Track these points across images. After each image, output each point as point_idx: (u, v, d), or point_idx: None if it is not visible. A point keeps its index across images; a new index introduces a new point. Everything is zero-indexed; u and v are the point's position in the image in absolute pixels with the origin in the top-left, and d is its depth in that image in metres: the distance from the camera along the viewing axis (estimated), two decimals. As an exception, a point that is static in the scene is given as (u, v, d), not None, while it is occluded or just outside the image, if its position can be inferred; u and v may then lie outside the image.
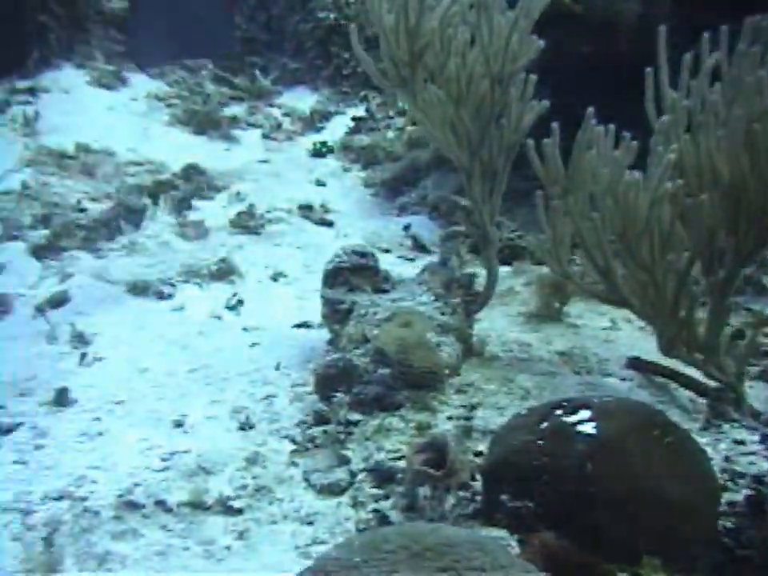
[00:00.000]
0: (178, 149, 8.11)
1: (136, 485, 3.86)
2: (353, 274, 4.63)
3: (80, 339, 5.23)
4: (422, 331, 4.05)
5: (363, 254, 4.76)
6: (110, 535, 3.62)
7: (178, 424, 4.28)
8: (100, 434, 4.30)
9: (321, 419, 4.07)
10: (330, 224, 6.90)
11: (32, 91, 8.96)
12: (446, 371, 4.10)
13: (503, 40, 4.10)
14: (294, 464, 3.94)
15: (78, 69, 9.72)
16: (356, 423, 3.96)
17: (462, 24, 4.35)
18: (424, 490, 3.23)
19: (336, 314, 4.57)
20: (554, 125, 4.05)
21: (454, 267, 4.61)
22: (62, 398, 4.56)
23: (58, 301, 5.64)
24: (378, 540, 2.40)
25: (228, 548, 3.54)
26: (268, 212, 6.93)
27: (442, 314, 4.35)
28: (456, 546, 2.29)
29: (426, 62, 4.36)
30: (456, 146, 4.35)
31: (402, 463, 3.62)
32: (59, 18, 9.92)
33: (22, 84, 9.10)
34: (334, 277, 4.68)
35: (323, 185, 7.61)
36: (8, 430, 4.39)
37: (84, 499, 3.81)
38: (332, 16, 9.53)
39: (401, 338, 3.98)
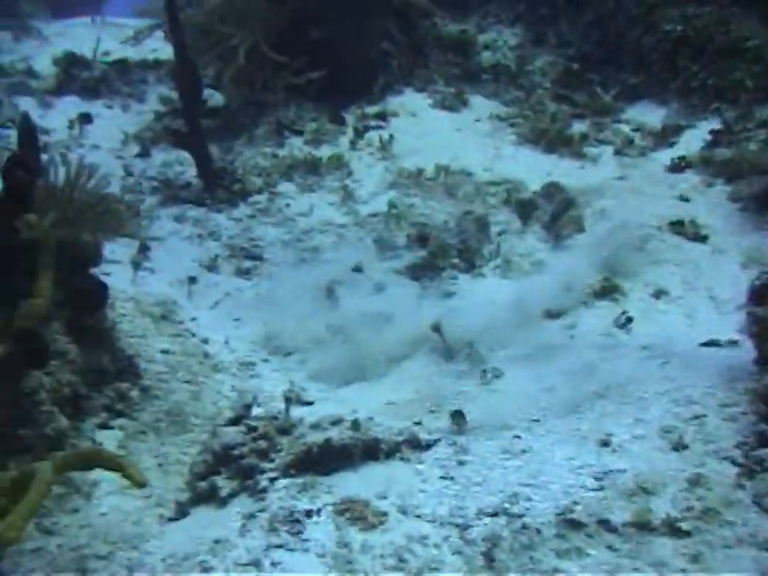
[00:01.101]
0: (531, 167, 8.13)
1: (575, 503, 3.81)
2: (783, 290, 4.42)
3: (475, 357, 5.29)
4: None
5: (793, 269, 4.56)
6: (554, 553, 3.59)
7: (605, 443, 4.20)
8: (524, 451, 4.29)
9: (766, 441, 3.90)
10: (703, 240, 6.68)
11: (382, 116, 9.22)
12: None
13: None
14: (741, 486, 3.78)
15: (418, 92, 9.93)
16: (817, 446, 3.78)
17: None
18: None
19: (768, 332, 4.38)
20: None
21: None
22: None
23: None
24: None
25: (683, 571, 3.43)
26: (638, 229, 6.79)
27: None
28: None
29: None
30: None
31: None
32: (400, 44, 10.19)
33: (371, 109, 9.38)
34: (763, 293, 4.48)
35: (687, 200, 7.38)
36: (427, 446, 4.46)
37: (521, 516, 3.80)
38: (678, 28, 9.29)
39: None
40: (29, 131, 5.60)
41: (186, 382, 5.55)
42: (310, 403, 5.25)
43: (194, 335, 6.16)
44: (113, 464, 3.71)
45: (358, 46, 9.78)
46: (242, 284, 6.88)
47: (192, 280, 6.72)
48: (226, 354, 6.02)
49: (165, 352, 5.79)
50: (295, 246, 7.20)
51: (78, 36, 14.37)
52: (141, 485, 3.56)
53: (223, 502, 4.31)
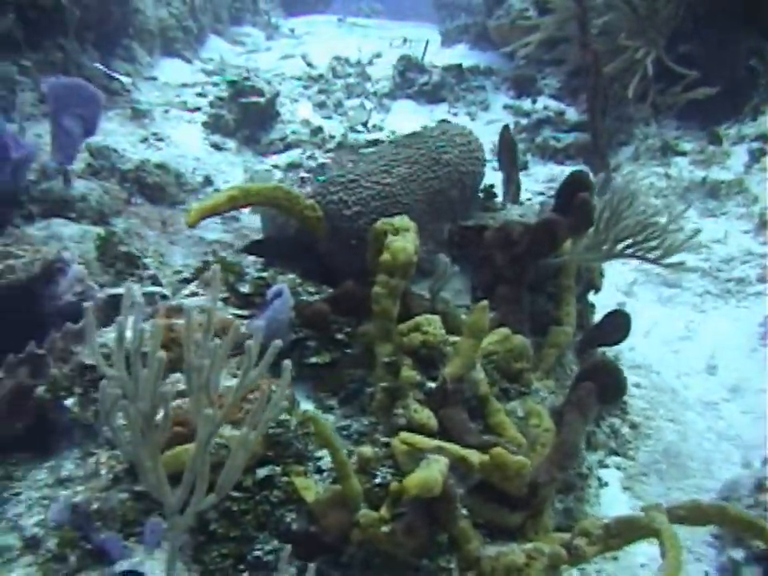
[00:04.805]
0: None
1: None
2: None
3: None
4: None
5: None
6: None
7: None
8: None
9: None
10: None
11: (764, 138, 8.69)
12: None
13: None
14: None
15: (788, 115, 9.33)
16: None
17: None
18: None
19: None
20: None
21: None
22: None
23: None
24: None
25: None
26: None
27: None
28: None
29: None
30: None
31: None
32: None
33: (747, 130, 8.88)
34: None
35: None
36: None
37: None
38: None
39: None
40: (509, 142, 5.42)
41: (669, 420, 5.24)
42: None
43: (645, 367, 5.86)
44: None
45: (726, 63, 9.30)
46: (666, 313, 6.51)
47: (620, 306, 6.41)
48: (683, 389, 5.68)
49: (637, 386, 5.50)
50: (716, 276, 6.78)
51: (329, 35, 14.52)
52: None
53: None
